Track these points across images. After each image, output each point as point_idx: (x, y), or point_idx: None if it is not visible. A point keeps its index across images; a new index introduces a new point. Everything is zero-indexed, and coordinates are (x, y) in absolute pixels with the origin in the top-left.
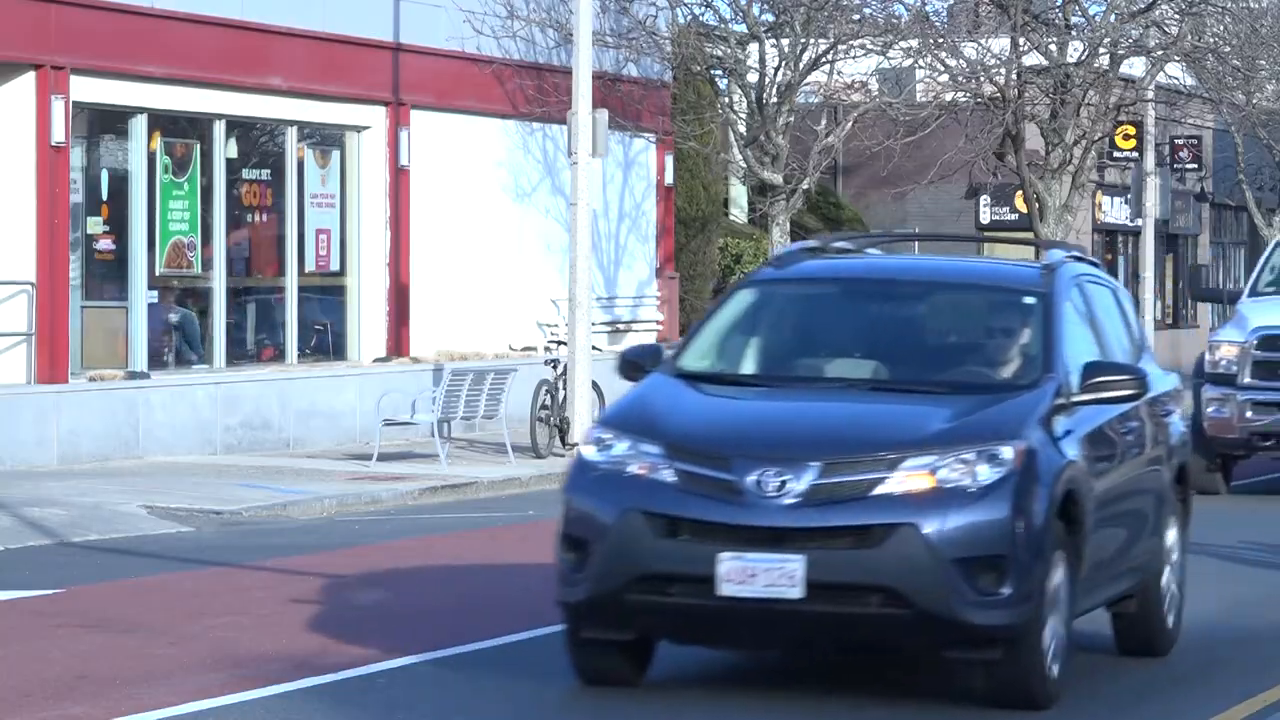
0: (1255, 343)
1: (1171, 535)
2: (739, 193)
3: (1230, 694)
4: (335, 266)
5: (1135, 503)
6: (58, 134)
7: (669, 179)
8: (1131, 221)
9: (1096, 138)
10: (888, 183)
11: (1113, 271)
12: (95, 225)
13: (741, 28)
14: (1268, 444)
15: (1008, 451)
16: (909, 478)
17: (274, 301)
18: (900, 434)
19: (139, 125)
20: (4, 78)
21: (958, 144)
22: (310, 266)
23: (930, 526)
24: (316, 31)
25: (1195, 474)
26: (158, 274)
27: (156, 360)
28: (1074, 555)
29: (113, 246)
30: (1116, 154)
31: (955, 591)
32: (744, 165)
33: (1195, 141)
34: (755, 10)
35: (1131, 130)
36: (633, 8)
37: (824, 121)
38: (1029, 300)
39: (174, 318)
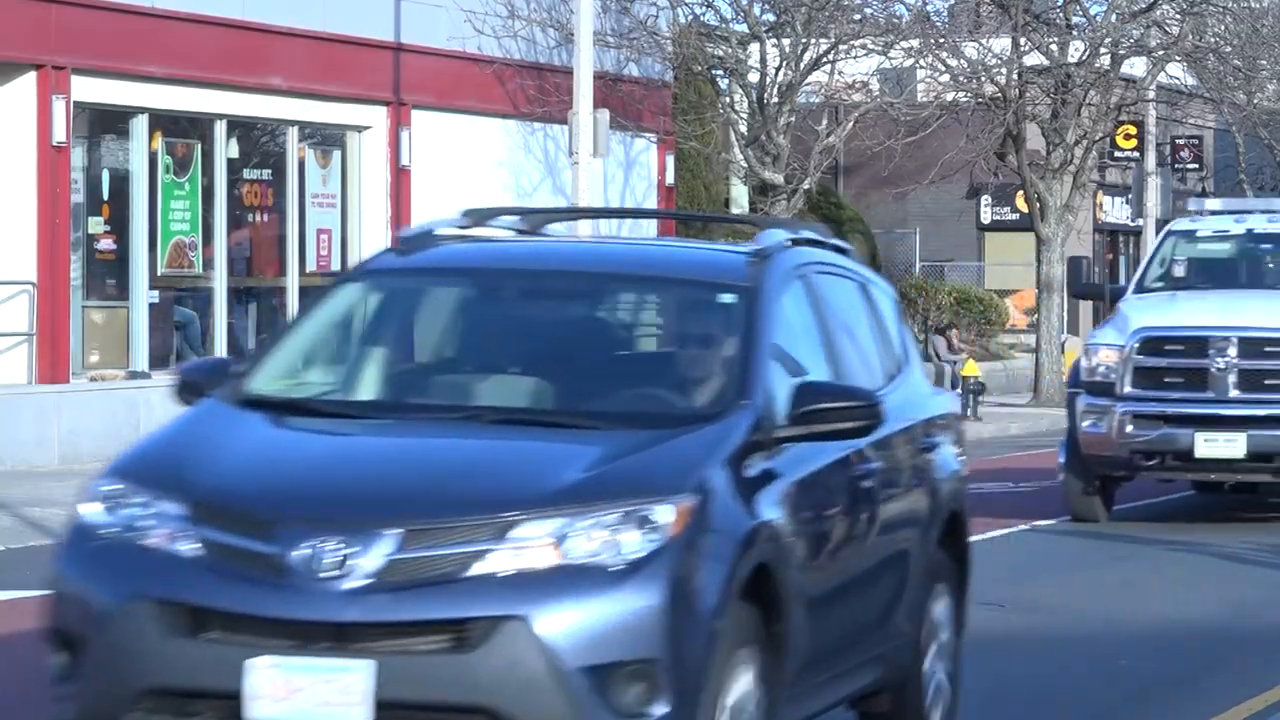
0: (1137, 346)
1: (940, 608)
2: (740, 193)
3: (1230, 694)
4: (336, 267)
5: (878, 571)
6: (59, 134)
7: (670, 179)
8: (1133, 221)
9: (1097, 138)
10: (889, 183)
11: (1114, 272)
12: (96, 225)
13: (742, 28)
14: (1151, 464)
15: (664, 512)
16: (522, 551)
17: (275, 302)
18: (518, 487)
19: (140, 125)
20: (5, 78)
21: (959, 144)
22: (311, 267)
23: (547, 620)
24: (317, 31)
25: (1072, 498)
26: (159, 274)
27: (158, 359)
28: (772, 652)
29: (114, 246)
30: (1117, 154)
31: (584, 712)
32: (745, 165)
33: (1196, 141)
34: (756, 10)
35: (1132, 130)
36: (634, 8)
37: (825, 121)
38: (726, 298)
39: (177, 318)
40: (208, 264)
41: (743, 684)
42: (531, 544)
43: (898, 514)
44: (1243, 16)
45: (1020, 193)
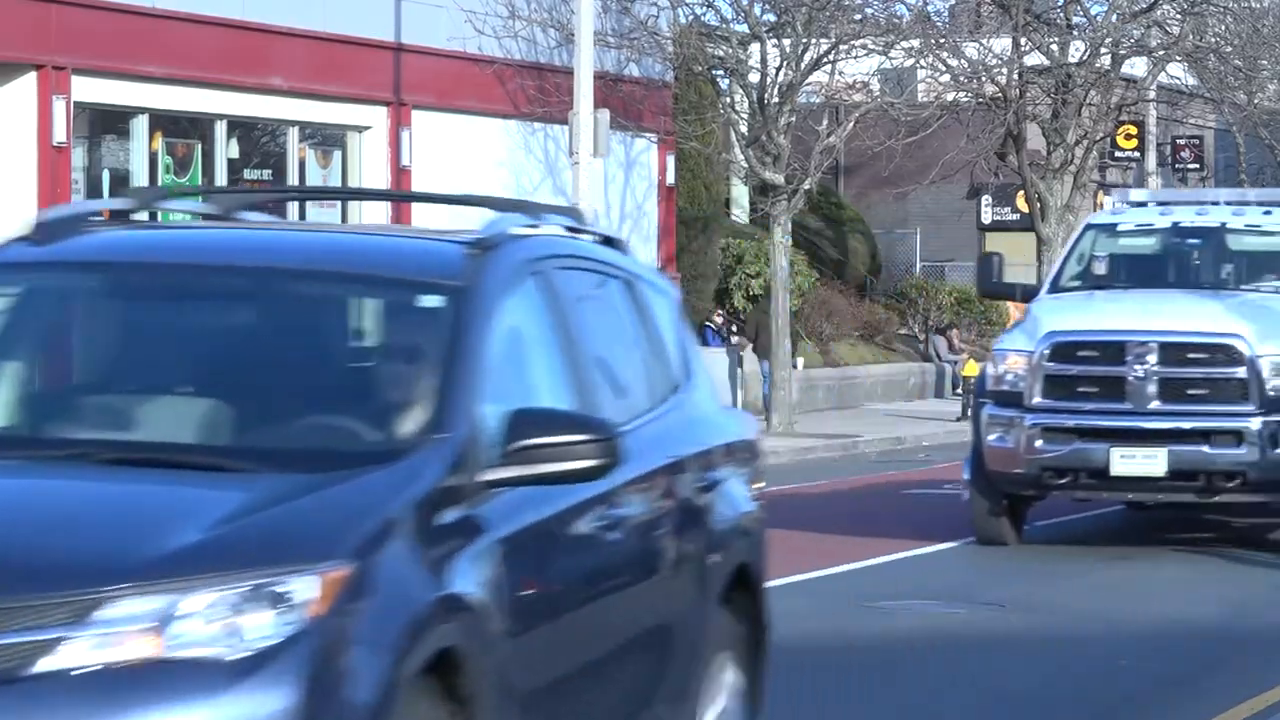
0: (1047, 352)
1: (723, 686)
2: (740, 193)
3: (1230, 694)
4: None
5: (627, 649)
6: (59, 134)
7: (670, 179)
8: None
9: (1098, 138)
10: (889, 183)
11: None
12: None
13: (743, 28)
14: (1063, 482)
15: (306, 585)
16: (110, 639)
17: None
18: (112, 552)
19: (140, 125)
20: (5, 78)
21: (959, 144)
22: None
23: None
24: (317, 31)
25: (978, 519)
26: None
27: None
28: None
29: None
30: (1118, 154)
31: None
32: (745, 165)
33: (1197, 141)
34: (757, 10)
35: (1133, 130)
36: (634, 8)
37: (825, 121)
38: (429, 301)
39: None
40: None
41: None
42: (124, 630)
43: (655, 573)
44: (1243, 16)
45: (1021, 193)
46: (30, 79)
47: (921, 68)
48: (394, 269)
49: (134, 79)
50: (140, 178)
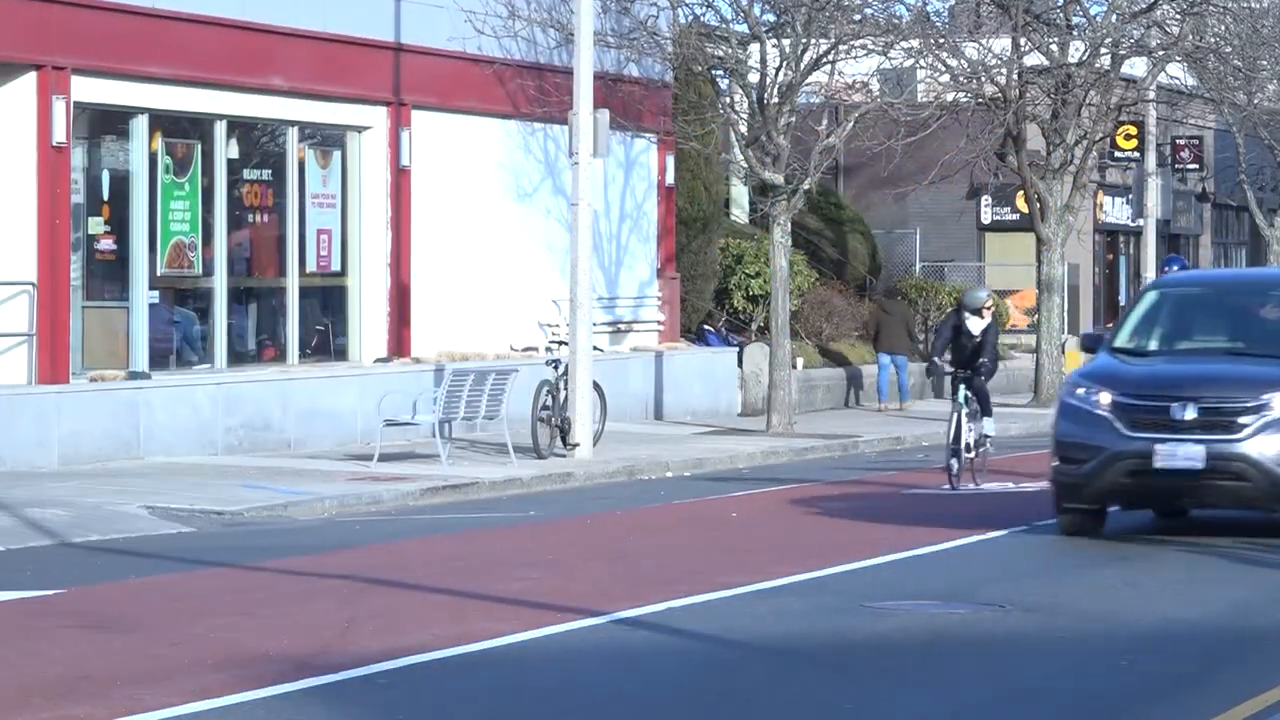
0: None
1: None
2: (740, 193)
3: (1230, 694)
4: (336, 267)
5: None
6: (59, 134)
7: (670, 179)
8: (1133, 222)
9: (1098, 138)
10: (889, 183)
11: (1114, 272)
12: (96, 226)
13: (743, 28)
14: None
15: None
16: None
17: (275, 303)
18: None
19: (140, 125)
20: (5, 78)
21: (959, 144)
22: (311, 267)
23: None
24: (317, 32)
25: None
26: (159, 274)
27: (158, 360)
28: None
29: (114, 247)
30: (1118, 154)
31: None
32: (745, 165)
33: (1196, 141)
34: (756, 10)
35: (1133, 130)
36: (634, 8)
37: (825, 122)
38: None
39: (174, 317)
40: (208, 265)
41: None
42: None
43: None
44: (1243, 17)
45: (1020, 193)
46: (30, 79)
47: (921, 68)
48: None
49: (134, 79)
50: (140, 178)
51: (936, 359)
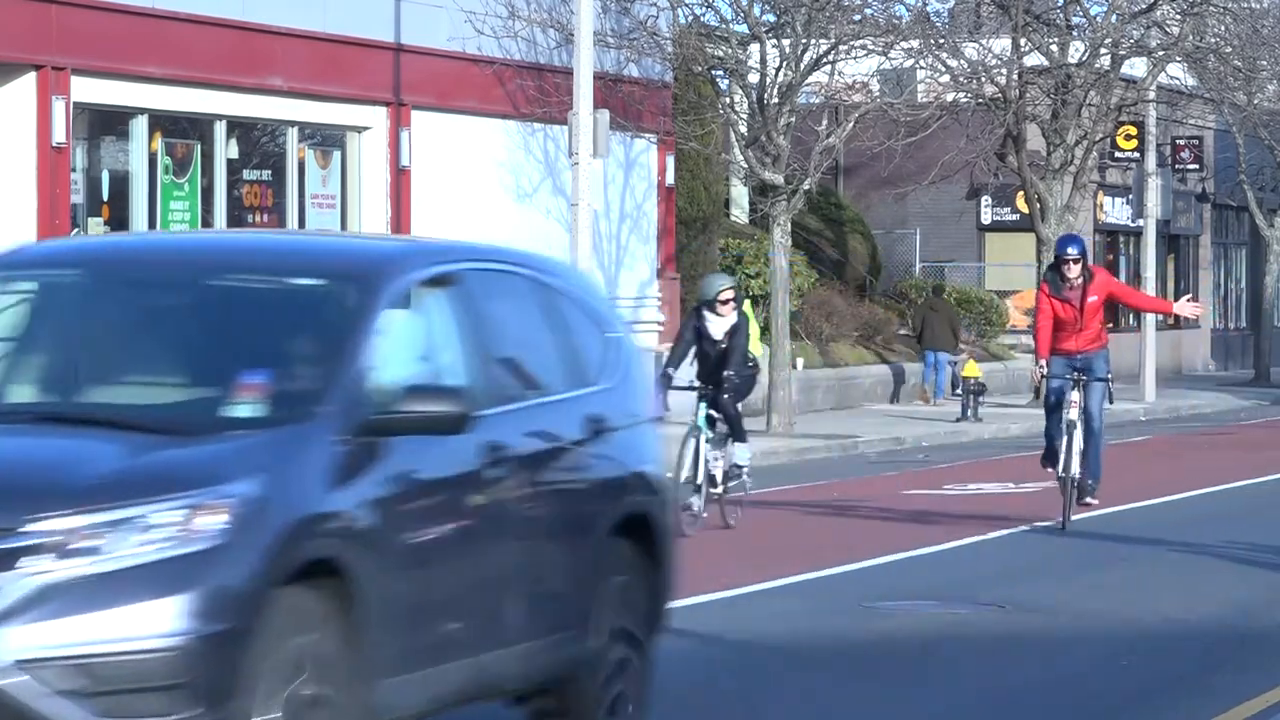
0: None
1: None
2: (740, 193)
3: (1230, 694)
4: None
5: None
6: (58, 135)
7: (670, 179)
8: (1133, 222)
9: (1098, 138)
10: (889, 183)
11: (1114, 272)
12: (96, 226)
13: (743, 28)
14: None
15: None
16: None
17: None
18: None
19: (140, 126)
20: (5, 78)
21: (959, 144)
22: None
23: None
24: (317, 32)
25: None
26: None
27: None
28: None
29: None
30: (1118, 154)
31: None
32: (745, 166)
33: (1196, 142)
34: (756, 11)
35: (1133, 131)
36: (634, 8)
37: (825, 122)
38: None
39: None
40: None
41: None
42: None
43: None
44: (1243, 17)
45: (1020, 193)
46: (30, 79)
47: (921, 68)
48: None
49: (134, 79)
50: (140, 178)
51: (670, 369)
